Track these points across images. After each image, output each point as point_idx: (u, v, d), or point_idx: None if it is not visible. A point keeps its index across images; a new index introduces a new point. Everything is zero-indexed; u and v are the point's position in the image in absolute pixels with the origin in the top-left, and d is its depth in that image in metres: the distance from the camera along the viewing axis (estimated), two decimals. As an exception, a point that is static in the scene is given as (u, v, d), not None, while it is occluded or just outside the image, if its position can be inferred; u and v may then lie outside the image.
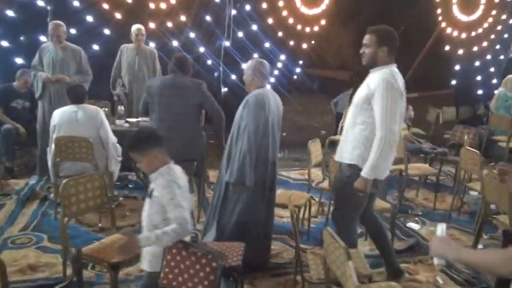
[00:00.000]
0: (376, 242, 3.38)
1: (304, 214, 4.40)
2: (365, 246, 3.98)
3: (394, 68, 2.91)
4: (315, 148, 4.45)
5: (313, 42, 7.35)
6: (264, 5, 6.83)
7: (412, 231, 4.36)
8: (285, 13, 6.93)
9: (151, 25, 6.37)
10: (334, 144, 6.88)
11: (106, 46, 6.26)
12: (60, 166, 4.19)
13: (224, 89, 6.92)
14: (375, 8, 8.11)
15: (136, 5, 6.30)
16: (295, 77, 6.70)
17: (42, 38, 5.98)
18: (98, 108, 4.39)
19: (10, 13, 5.81)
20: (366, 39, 2.94)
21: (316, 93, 12.43)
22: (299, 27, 7.12)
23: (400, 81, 2.88)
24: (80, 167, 4.15)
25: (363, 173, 2.81)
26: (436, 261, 1.84)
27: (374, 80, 2.85)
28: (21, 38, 6.24)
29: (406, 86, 2.91)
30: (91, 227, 4.13)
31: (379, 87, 2.77)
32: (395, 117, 2.76)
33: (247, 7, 6.73)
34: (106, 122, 4.33)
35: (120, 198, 4.73)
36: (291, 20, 7.01)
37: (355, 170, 2.87)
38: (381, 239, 3.31)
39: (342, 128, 7.13)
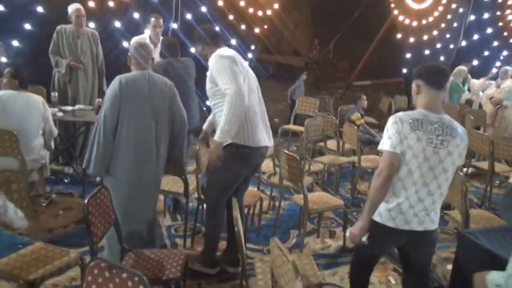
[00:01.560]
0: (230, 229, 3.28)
1: (254, 210, 4.19)
2: (317, 244, 3.82)
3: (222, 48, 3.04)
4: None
5: (266, 26, 7.06)
6: (214, -14, 6.47)
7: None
8: (236, -5, 6.61)
9: (91, 4, 5.85)
10: (287, 133, 6.72)
11: (40, 26, 5.68)
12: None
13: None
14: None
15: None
16: (247, 63, 6.34)
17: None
18: (41, 98, 3.91)
19: None
20: None
21: (271, 79, 12.22)
22: (251, 10, 6.80)
23: (228, 52, 2.99)
24: (4, 162, 3.71)
25: (215, 137, 2.91)
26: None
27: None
28: None
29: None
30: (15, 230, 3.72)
31: (211, 64, 2.93)
32: (238, 79, 2.84)
33: (196, -12, 6.35)
34: (50, 114, 3.93)
35: (53, 196, 4.30)
36: (242, 3, 6.67)
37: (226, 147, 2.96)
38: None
39: (295, 116, 7.01)
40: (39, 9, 5.71)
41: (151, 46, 3.19)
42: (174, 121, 3.08)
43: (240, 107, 2.80)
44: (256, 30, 6.92)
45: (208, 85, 3.02)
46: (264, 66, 13.62)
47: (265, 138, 3.07)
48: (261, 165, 3.63)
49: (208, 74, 2.99)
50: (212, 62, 2.93)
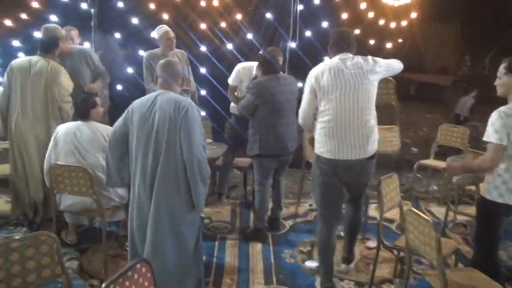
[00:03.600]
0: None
1: (373, 274, 3.17)
2: None
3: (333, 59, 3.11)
4: (390, 187, 3.15)
5: (400, 40, 5.94)
6: (338, -3, 5.60)
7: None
8: (363, 6, 5.63)
9: (203, 26, 5.49)
10: (425, 169, 5.38)
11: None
12: (61, 199, 3.43)
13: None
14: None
15: (185, 4, 5.45)
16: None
17: (86, 45, 5.41)
18: (107, 128, 3.56)
19: (54, 18, 5.27)
20: None
21: (412, 100, 10.76)
22: (382, 22, 5.77)
23: (317, 69, 3.08)
24: (82, 201, 3.36)
25: None
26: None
27: None
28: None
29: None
30: (92, 279, 3.29)
31: None
32: (304, 103, 3.16)
33: (317, 0, 5.55)
34: None
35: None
36: (371, 14, 5.69)
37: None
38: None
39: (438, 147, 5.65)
40: (152, 34, 5.53)
41: (178, 65, 2.91)
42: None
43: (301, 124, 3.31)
44: (389, 45, 5.84)
45: None
46: (404, 86, 12.19)
47: (350, 152, 3.00)
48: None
49: None
50: None
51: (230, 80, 4.57)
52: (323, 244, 3.13)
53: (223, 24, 5.55)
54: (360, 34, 5.70)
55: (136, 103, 2.76)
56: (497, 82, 2.74)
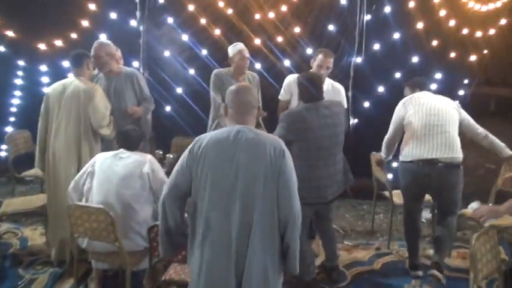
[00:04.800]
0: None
1: None
2: None
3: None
4: (486, 247, 2.37)
5: (485, 51, 5.03)
6: (412, 4, 4.82)
7: None
8: (443, 12, 4.82)
9: (257, 41, 4.97)
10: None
11: (203, 70, 5.05)
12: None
13: (354, 120, 5.12)
14: None
15: (238, 18, 4.96)
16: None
17: (135, 64, 5.11)
18: (148, 156, 3.10)
19: (103, 36, 5.01)
20: None
21: (491, 117, 9.66)
22: (465, 31, 4.92)
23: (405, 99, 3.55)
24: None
25: None
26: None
27: None
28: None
29: None
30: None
31: None
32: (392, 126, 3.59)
33: (387, 9, 4.84)
34: (157, 178, 3.01)
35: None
36: (452, 22, 4.86)
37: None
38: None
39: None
40: (203, 51, 5.11)
41: (254, 91, 2.25)
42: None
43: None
44: (472, 57, 4.97)
45: None
46: (483, 102, 10.97)
47: (428, 152, 3.23)
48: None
49: None
50: None
51: (280, 95, 3.99)
52: (408, 229, 3.57)
53: (279, 39, 5.00)
54: (438, 46, 4.90)
55: (208, 140, 2.10)
56: None
